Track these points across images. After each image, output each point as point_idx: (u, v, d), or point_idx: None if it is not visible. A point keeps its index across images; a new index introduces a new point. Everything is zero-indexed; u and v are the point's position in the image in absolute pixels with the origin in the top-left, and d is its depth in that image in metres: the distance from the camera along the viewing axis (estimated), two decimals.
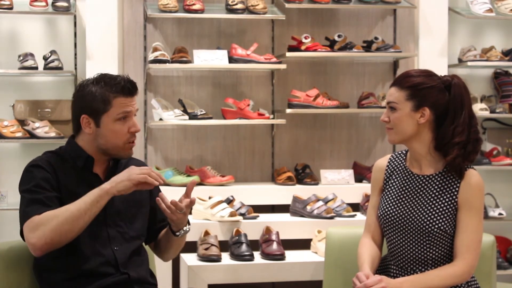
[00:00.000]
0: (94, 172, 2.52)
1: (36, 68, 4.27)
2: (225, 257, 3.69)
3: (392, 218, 2.61)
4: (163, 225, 2.67)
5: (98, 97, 2.44)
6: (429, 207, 2.56)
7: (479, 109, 4.64)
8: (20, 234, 2.40)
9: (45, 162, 2.46)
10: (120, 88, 2.45)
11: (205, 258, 3.62)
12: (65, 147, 2.55)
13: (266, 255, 3.67)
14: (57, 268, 2.42)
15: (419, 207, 2.58)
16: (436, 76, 2.60)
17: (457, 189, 2.55)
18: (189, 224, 2.59)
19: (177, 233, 2.56)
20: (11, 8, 4.26)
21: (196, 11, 4.37)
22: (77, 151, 2.50)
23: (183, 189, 4.09)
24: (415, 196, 2.60)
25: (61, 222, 2.30)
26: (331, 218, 4.01)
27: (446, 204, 2.55)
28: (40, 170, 2.43)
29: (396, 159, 2.72)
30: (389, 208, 2.63)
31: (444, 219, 2.53)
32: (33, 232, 2.31)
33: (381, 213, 2.66)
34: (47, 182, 2.41)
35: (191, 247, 3.77)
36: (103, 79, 2.47)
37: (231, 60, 4.38)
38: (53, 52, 4.32)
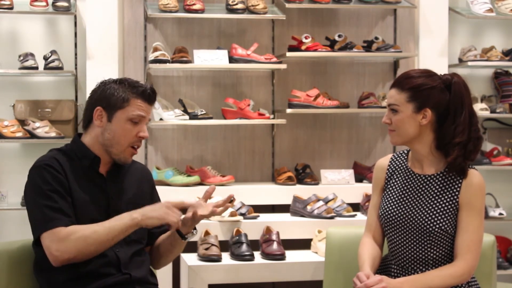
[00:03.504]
0: (99, 172, 2.52)
1: (37, 68, 4.27)
2: (226, 257, 3.69)
3: (393, 217, 2.61)
4: (161, 231, 2.66)
5: (118, 93, 2.47)
6: (430, 207, 2.56)
7: (480, 109, 4.64)
8: (35, 238, 2.40)
9: (54, 160, 2.45)
10: (141, 91, 2.50)
11: (205, 258, 3.62)
12: (71, 145, 2.55)
13: (266, 255, 3.67)
14: (57, 268, 2.40)
15: (420, 207, 2.57)
16: (437, 75, 2.58)
17: (458, 189, 2.54)
18: (195, 228, 2.60)
19: (186, 236, 2.57)
20: (11, 8, 4.26)
21: (196, 11, 4.37)
22: (84, 151, 2.51)
23: (183, 189, 4.17)
24: (416, 196, 2.60)
25: (89, 243, 2.34)
26: (331, 218, 4.00)
27: (447, 204, 2.54)
28: (51, 170, 2.41)
29: (398, 158, 2.71)
30: (390, 208, 2.63)
31: (445, 219, 2.53)
32: (57, 244, 2.33)
33: (382, 212, 2.66)
34: (60, 184, 2.40)
35: (191, 247, 3.77)
36: (127, 81, 2.52)
37: (231, 60, 4.38)
38: (53, 52, 4.32)
